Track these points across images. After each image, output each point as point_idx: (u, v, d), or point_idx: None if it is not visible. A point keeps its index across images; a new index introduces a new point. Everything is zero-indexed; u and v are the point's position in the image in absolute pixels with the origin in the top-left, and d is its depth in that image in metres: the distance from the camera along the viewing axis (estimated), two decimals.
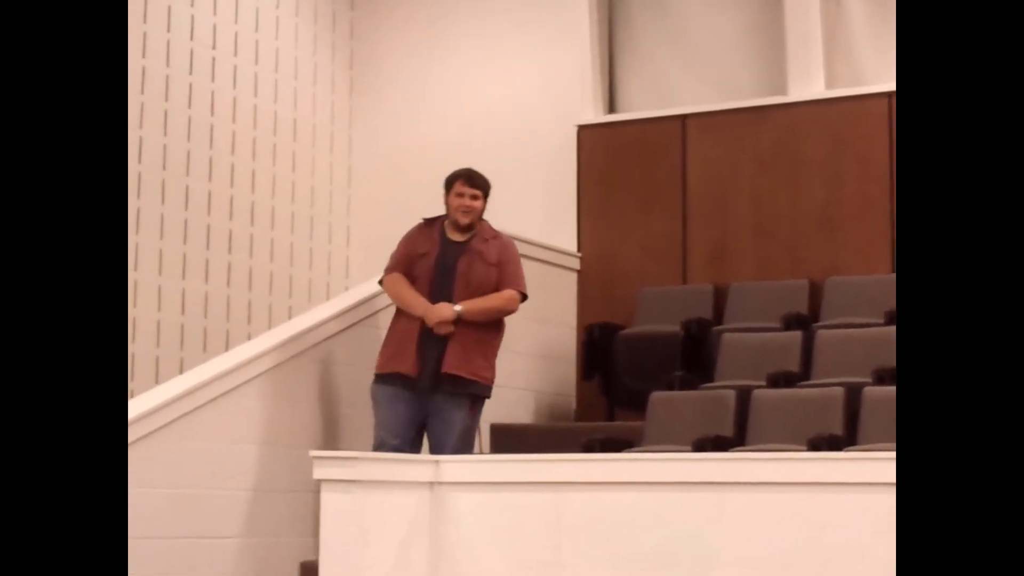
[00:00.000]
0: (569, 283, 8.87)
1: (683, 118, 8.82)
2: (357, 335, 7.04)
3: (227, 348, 7.81)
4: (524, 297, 6.61)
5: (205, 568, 6.11)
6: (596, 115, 9.09)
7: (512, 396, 8.18)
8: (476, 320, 6.40)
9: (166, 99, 8.41)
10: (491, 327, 6.51)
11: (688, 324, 7.98)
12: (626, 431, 7.22)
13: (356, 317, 7.08)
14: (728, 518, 5.03)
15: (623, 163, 8.94)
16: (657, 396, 7.20)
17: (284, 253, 9.15)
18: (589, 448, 6.69)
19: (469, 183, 6.61)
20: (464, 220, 6.54)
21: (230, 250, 8.78)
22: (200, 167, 8.63)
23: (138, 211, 8.20)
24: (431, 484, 5.41)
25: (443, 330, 6.34)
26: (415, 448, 6.39)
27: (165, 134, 8.41)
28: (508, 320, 8.24)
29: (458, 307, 6.37)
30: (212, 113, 8.72)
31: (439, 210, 8.56)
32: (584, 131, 9.07)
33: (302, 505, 6.36)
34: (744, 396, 6.93)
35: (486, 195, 6.63)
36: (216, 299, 8.63)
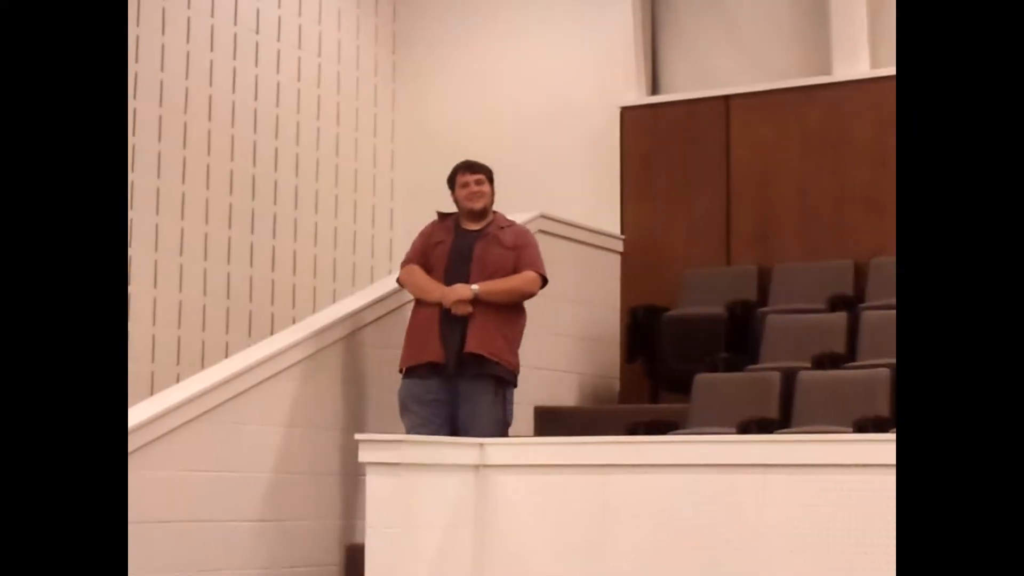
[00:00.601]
0: (613, 265, 8.85)
1: (727, 99, 8.78)
2: (401, 319, 7.05)
3: (272, 332, 7.84)
4: (544, 281, 6.54)
5: (251, 551, 6.15)
6: (640, 96, 9.06)
7: (556, 378, 8.19)
8: (495, 300, 6.33)
9: (210, 84, 8.45)
10: (511, 310, 6.43)
11: (732, 306, 7.96)
12: (670, 413, 7.21)
13: (399, 301, 7.09)
14: (773, 500, 5.02)
15: (666, 144, 8.91)
16: (701, 378, 7.18)
17: (328, 237, 9.18)
18: (633, 430, 6.68)
19: (470, 171, 6.60)
20: (477, 205, 6.51)
21: (274, 234, 8.82)
22: (244, 152, 8.66)
23: (183, 196, 8.24)
24: (476, 467, 5.42)
25: (461, 309, 6.29)
26: None
27: (209, 119, 8.44)
28: (551, 303, 8.26)
29: (475, 287, 6.32)
30: (256, 98, 8.75)
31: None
32: (627, 112, 9.04)
33: (348, 488, 6.38)
34: (789, 378, 6.90)
35: (491, 179, 6.61)
36: (261, 283, 8.67)
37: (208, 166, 8.41)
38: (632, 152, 8.99)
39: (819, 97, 8.50)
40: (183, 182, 8.25)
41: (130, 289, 7.89)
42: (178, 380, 7.02)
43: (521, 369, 7.87)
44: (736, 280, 8.29)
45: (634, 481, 5.22)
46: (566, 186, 9.13)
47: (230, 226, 8.50)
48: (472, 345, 6.26)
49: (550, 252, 8.26)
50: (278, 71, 8.92)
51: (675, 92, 9.05)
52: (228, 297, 8.45)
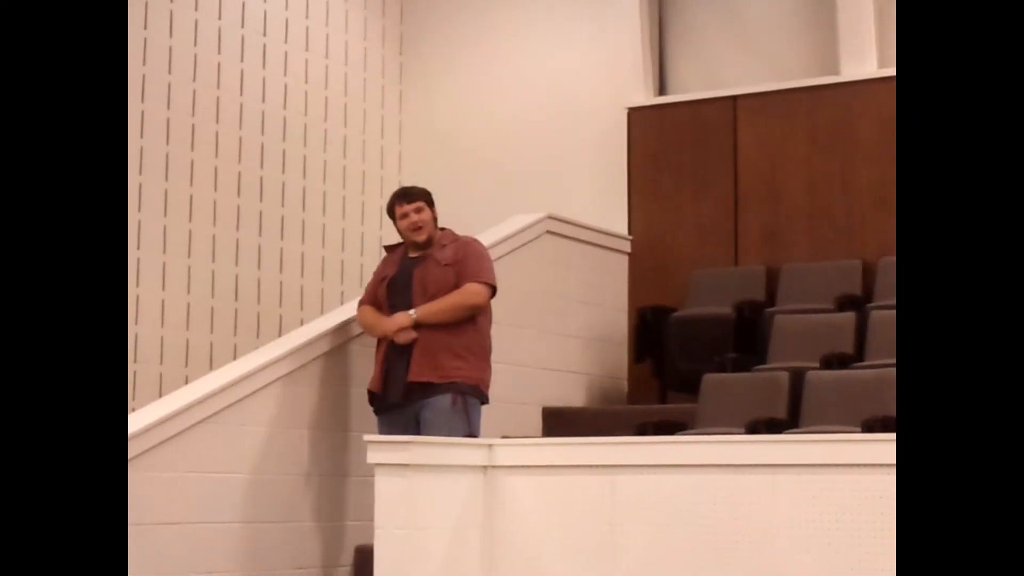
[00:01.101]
0: (620, 266, 8.86)
1: (734, 99, 8.78)
2: None
3: (280, 334, 7.85)
4: (493, 290, 6.30)
5: (261, 553, 6.16)
6: (647, 97, 9.06)
7: (564, 379, 8.19)
8: (437, 321, 6.14)
9: (218, 86, 8.46)
10: (464, 326, 6.20)
11: (740, 306, 7.96)
12: (679, 413, 7.21)
13: None
14: (782, 500, 5.01)
15: (674, 145, 8.91)
16: (710, 378, 7.18)
17: (336, 239, 9.18)
18: (642, 431, 6.68)
19: (407, 200, 6.39)
20: (419, 237, 6.32)
21: (282, 236, 8.83)
22: (252, 154, 8.67)
23: (191, 198, 8.25)
24: (484, 468, 5.42)
25: (402, 338, 6.13)
26: None
27: (217, 121, 8.45)
28: (559, 303, 8.27)
29: (412, 312, 6.15)
30: (263, 100, 8.76)
31: (488, 194, 8.62)
32: (635, 113, 9.04)
33: (357, 490, 6.38)
34: (797, 378, 6.90)
35: (430, 203, 6.40)
36: (269, 285, 8.68)
37: (216, 168, 8.42)
38: (640, 152, 9.00)
39: (827, 97, 8.49)
40: (191, 184, 8.26)
41: (138, 291, 7.90)
42: (187, 382, 7.03)
43: (529, 370, 7.91)
44: (744, 280, 8.29)
45: (642, 481, 5.21)
46: (574, 187, 9.13)
47: (238, 228, 8.51)
48: (414, 373, 6.10)
49: (558, 253, 8.30)
50: (285, 73, 8.93)
51: (682, 93, 9.05)
52: (236, 299, 8.45)
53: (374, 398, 6.26)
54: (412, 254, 6.37)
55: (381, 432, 6.13)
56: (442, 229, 6.43)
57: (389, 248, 6.61)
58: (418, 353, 6.11)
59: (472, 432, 6.07)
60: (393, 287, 6.31)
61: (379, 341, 6.28)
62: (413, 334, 6.13)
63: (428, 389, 6.07)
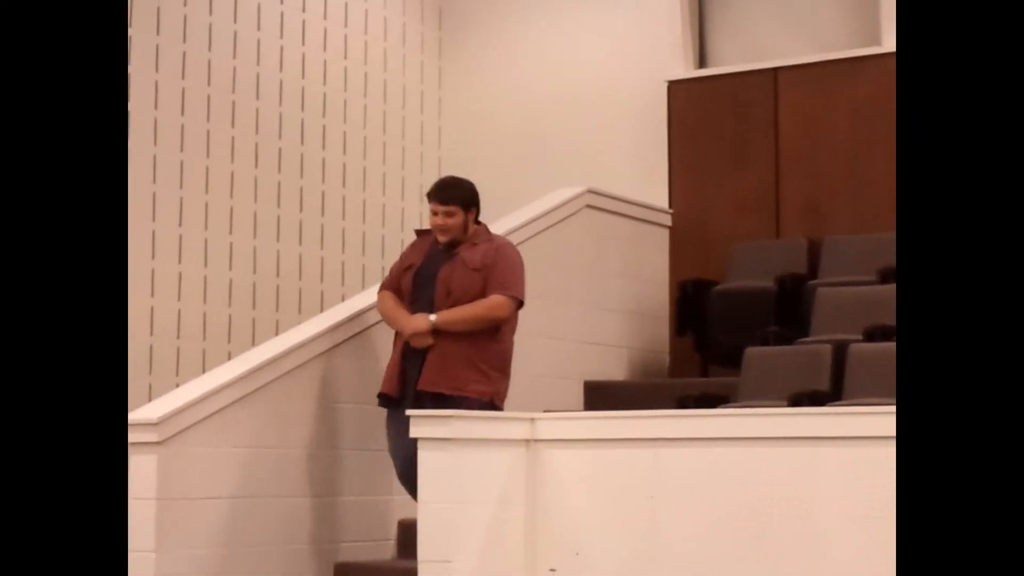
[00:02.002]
0: (661, 240, 8.84)
1: (775, 71, 8.74)
2: None
3: (322, 309, 7.87)
4: (520, 304, 6.04)
5: (305, 527, 6.19)
6: (686, 70, 9.02)
7: (605, 353, 8.19)
8: (457, 330, 5.88)
9: (258, 63, 8.48)
10: (484, 337, 5.93)
11: (782, 279, 7.93)
12: (721, 387, 7.20)
13: None
14: (824, 473, 5.00)
15: (714, 118, 8.87)
16: (752, 351, 7.16)
17: (376, 215, 9.20)
18: (684, 404, 6.68)
19: (439, 199, 6.09)
20: (442, 239, 6.06)
21: (323, 212, 8.84)
22: (292, 130, 8.68)
23: (231, 175, 8.28)
24: (527, 442, 5.43)
25: (419, 342, 5.89)
26: None
27: (257, 98, 8.47)
28: (600, 278, 8.26)
29: (433, 317, 5.90)
30: (303, 76, 8.77)
31: (528, 169, 8.60)
32: (674, 86, 9.01)
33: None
34: (840, 350, 6.88)
35: (467, 205, 6.08)
36: (311, 261, 8.70)
37: (256, 144, 8.44)
38: (680, 126, 8.96)
39: (868, 68, 8.43)
40: (232, 161, 8.28)
41: (181, 268, 7.94)
42: (229, 357, 7.07)
43: (570, 344, 7.91)
44: (786, 253, 8.26)
45: (685, 455, 5.21)
46: (614, 161, 9.11)
47: (279, 204, 8.54)
48: (424, 382, 5.87)
49: (599, 227, 8.29)
50: (325, 49, 8.94)
51: (723, 65, 9.00)
52: (278, 275, 8.48)
53: (387, 400, 6.02)
54: (442, 246, 6.12)
55: (392, 429, 5.97)
56: (478, 223, 6.16)
57: (420, 232, 6.34)
58: (432, 361, 5.88)
59: None
60: (418, 280, 6.07)
61: (397, 334, 6.10)
62: (430, 340, 5.89)
63: (438, 400, 5.81)
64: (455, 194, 6.10)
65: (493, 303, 5.95)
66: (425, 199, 6.22)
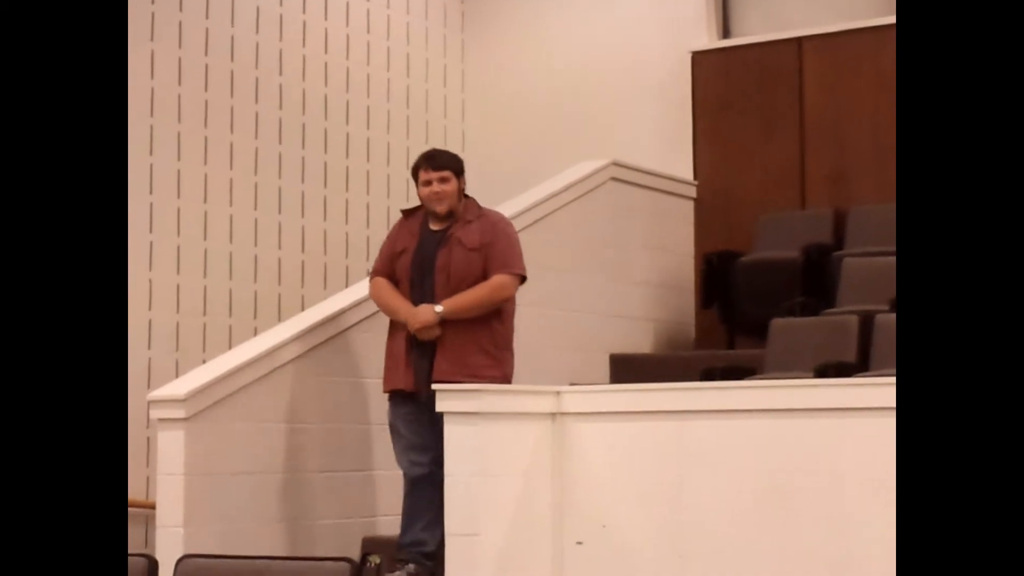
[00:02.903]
0: (686, 211, 8.82)
1: (799, 41, 8.69)
2: None
3: (347, 284, 7.89)
4: (522, 279, 5.88)
5: (332, 502, 6.22)
6: (711, 40, 8.98)
7: (630, 325, 8.18)
8: (465, 316, 5.70)
9: (280, 39, 8.47)
10: (488, 319, 5.77)
11: (808, 249, 7.91)
12: (747, 359, 7.19)
13: None
14: (851, 444, 5.00)
15: (739, 88, 8.84)
16: (778, 323, 7.15)
17: (400, 190, 9.19)
18: (710, 376, 6.67)
19: (432, 165, 5.88)
20: (439, 208, 5.83)
21: (347, 188, 8.85)
22: (316, 106, 8.68)
23: (256, 151, 8.29)
24: (553, 415, 5.43)
25: (427, 335, 5.68)
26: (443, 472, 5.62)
27: (280, 74, 8.47)
28: (625, 250, 8.25)
29: (439, 307, 5.69)
30: (326, 51, 8.77)
31: (552, 142, 8.52)
32: (699, 57, 8.98)
33: None
34: (867, 321, 6.85)
35: (458, 172, 5.90)
36: (335, 236, 8.71)
37: (280, 120, 8.45)
38: (704, 97, 8.93)
39: (893, 37, 8.37)
40: (255, 138, 8.29)
41: (206, 244, 7.96)
42: (256, 333, 7.09)
43: (595, 316, 7.91)
44: (811, 223, 8.23)
45: (711, 427, 5.21)
46: (638, 133, 9.09)
47: (303, 180, 8.54)
48: (440, 372, 5.65)
49: (623, 200, 8.28)
50: (347, 24, 8.93)
51: (747, 35, 8.97)
52: (303, 251, 8.50)
53: (402, 396, 5.79)
54: (433, 226, 5.88)
55: (400, 419, 5.81)
56: (466, 197, 5.95)
57: (407, 212, 6.06)
58: (443, 350, 5.69)
59: None
60: (416, 267, 5.83)
61: (394, 324, 5.88)
62: (438, 331, 5.69)
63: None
64: (447, 159, 5.96)
65: (497, 283, 5.77)
66: (412, 177, 6.00)
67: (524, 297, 7.40)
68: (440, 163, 5.90)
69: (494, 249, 5.80)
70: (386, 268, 5.94)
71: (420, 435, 5.71)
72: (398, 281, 5.88)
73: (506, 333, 5.85)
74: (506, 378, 5.76)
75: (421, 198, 5.91)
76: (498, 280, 5.77)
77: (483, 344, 5.73)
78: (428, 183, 5.86)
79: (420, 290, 5.79)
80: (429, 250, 5.83)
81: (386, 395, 5.90)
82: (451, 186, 5.85)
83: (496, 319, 5.80)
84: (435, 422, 5.52)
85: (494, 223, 5.90)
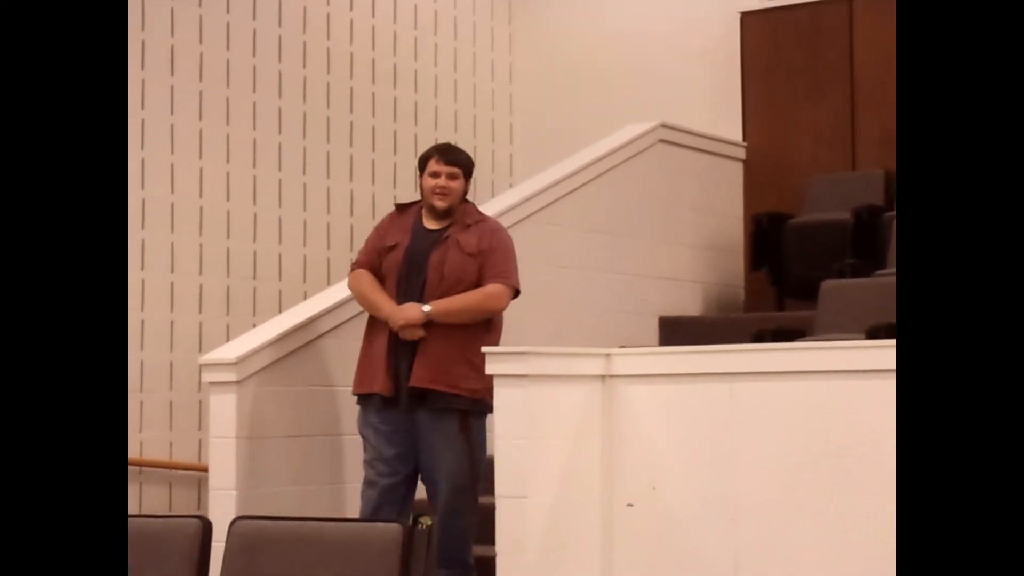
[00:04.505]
0: (735, 173, 8.77)
1: (850, 0, 8.61)
2: (526, 231, 7.06)
3: None
4: (516, 293, 5.58)
5: None
6: (760, 1, 8.91)
7: (680, 288, 8.16)
8: (452, 321, 5.41)
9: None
10: (476, 328, 5.46)
11: (859, 211, 7.85)
12: (797, 320, 7.15)
13: (525, 212, 7.10)
14: None
15: (788, 49, 8.77)
16: (828, 284, 7.10)
17: None
18: (760, 338, 6.64)
19: (445, 159, 5.57)
20: (441, 204, 5.53)
21: (395, 151, 8.86)
22: (363, 70, 8.69)
23: (304, 116, 8.31)
24: (603, 377, 5.42)
25: (410, 335, 5.39)
26: (411, 488, 5.57)
27: (328, 39, 8.48)
28: (674, 212, 8.22)
29: (427, 307, 5.40)
30: (373, 15, 8.76)
31: (600, 104, 8.46)
32: (748, 17, 8.91)
33: None
34: None
35: (467, 174, 5.61)
36: (384, 201, 8.72)
37: (328, 84, 8.46)
38: (753, 58, 8.87)
39: None
40: (304, 102, 8.31)
41: (255, 209, 8.00)
42: (305, 297, 7.12)
43: (644, 279, 7.89)
44: (862, 184, 8.17)
45: (761, 389, 5.19)
46: (686, 94, 9.04)
47: (351, 144, 8.56)
48: (417, 377, 5.39)
49: (672, 162, 8.24)
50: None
51: None
52: (352, 215, 8.52)
53: (376, 400, 5.50)
54: (429, 224, 5.59)
55: (370, 428, 5.54)
56: (466, 202, 5.67)
57: (400, 207, 5.76)
58: (423, 355, 5.41)
59: (476, 459, 5.50)
60: (408, 263, 5.52)
61: (372, 322, 5.59)
62: (422, 332, 5.40)
63: (430, 397, 5.43)
64: (462, 157, 5.64)
65: (492, 291, 5.48)
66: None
67: (572, 260, 7.42)
68: (453, 158, 5.60)
69: (492, 258, 5.51)
70: (371, 261, 5.63)
71: (392, 447, 5.49)
72: (383, 277, 5.58)
73: (493, 345, 5.47)
74: (489, 391, 5.27)
75: (423, 189, 5.61)
76: (493, 288, 5.49)
77: (468, 354, 5.39)
78: (436, 175, 5.56)
79: (407, 288, 5.49)
80: (423, 247, 5.52)
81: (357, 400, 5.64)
82: (458, 184, 5.57)
83: (484, 330, 5.48)
84: (413, 431, 5.44)
85: (493, 231, 5.61)
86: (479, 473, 5.52)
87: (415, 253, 5.53)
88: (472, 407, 5.46)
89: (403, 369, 5.44)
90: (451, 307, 5.43)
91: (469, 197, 5.74)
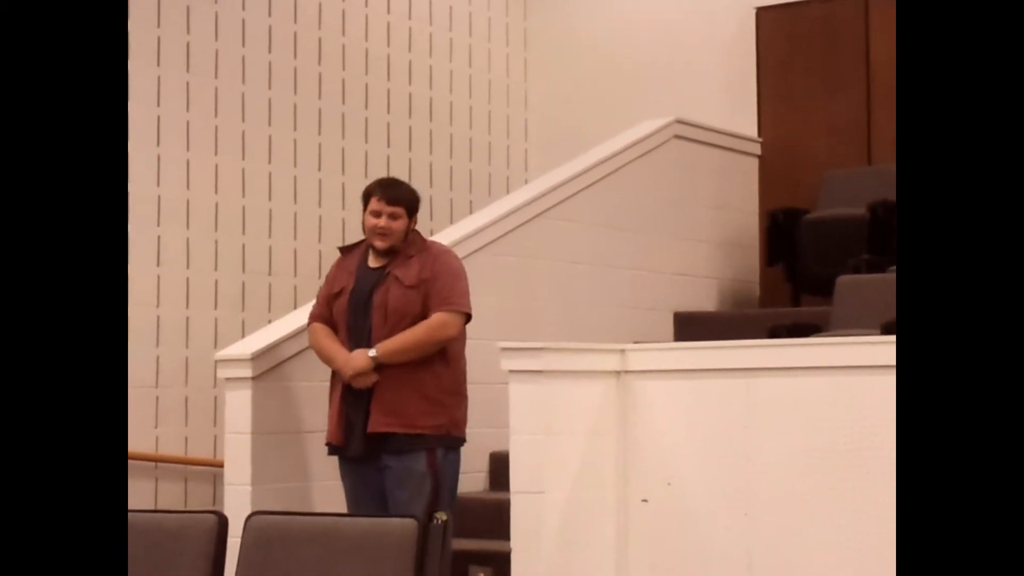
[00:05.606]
0: (750, 169, 8.76)
1: None
2: (541, 227, 7.07)
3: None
4: (468, 318, 5.40)
5: None
6: None
7: (695, 283, 8.16)
8: (401, 360, 5.24)
9: (343, 34, 8.48)
10: (431, 362, 5.31)
11: (875, 206, 7.82)
12: (812, 316, 7.14)
13: (540, 208, 7.10)
14: None
15: (804, 44, 8.75)
16: (844, 280, 7.09)
17: (463, 148, 9.20)
18: (776, 334, 6.63)
19: (387, 197, 5.38)
20: (381, 245, 5.37)
21: (410, 147, 8.86)
22: (378, 66, 8.69)
23: (319, 112, 8.32)
24: (618, 373, 5.42)
25: (361, 383, 5.25)
26: None
27: (343, 34, 8.49)
28: (689, 208, 8.21)
29: (372, 351, 5.25)
30: (388, 11, 8.77)
31: (615, 100, 8.45)
32: (763, 13, 8.90)
33: (493, 397, 6.43)
34: None
35: (411, 212, 5.41)
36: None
37: (343, 80, 8.47)
38: (769, 53, 8.86)
39: None
40: (319, 98, 8.32)
41: (271, 206, 8.01)
42: None
43: (659, 275, 7.88)
44: (878, 180, 8.14)
45: (777, 385, 5.18)
46: (702, 90, 9.03)
47: (367, 140, 8.57)
48: (374, 423, 5.26)
49: (687, 158, 8.23)
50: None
51: None
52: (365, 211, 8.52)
53: (333, 449, 5.44)
54: (372, 264, 5.44)
55: (347, 481, 5.44)
56: (413, 230, 5.47)
57: (345, 250, 5.63)
58: (378, 398, 5.26)
59: (441, 495, 5.33)
60: (352, 307, 5.37)
61: (333, 374, 5.44)
62: (374, 377, 5.25)
63: (391, 441, 5.28)
64: (403, 194, 5.44)
65: (437, 323, 5.29)
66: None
67: (587, 256, 7.42)
68: (394, 197, 5.39)
69: (435, 285, 5.31)
70: (324, 312, 5.50)
71: (355, 490, 5.39)
72: (336, 326, 5.44)
73: (454, 376, 5.39)
74: (453, 428, 5.32)
75: (365, 228, 5.46)
76: (438, 319, 5.29)
77: (426, 391, 5.28)
78: (377, 214, 5.39)
79: (356, 333, 5.34)
80: (366, 289, 5.37)
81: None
82: (399, 224, 5.37)
83: (440, 362, 5.33)
84: (379, 476, 5.31)
85: (436, 256, 5.40)
86: (448, 500, 5.36)
87: (359, 295, 5.38)
88: (438, 444, 5.33)
89: (358, 418, 5.30)
90: (396, 346, 5.26)
91: (424, 227, 5.70)
